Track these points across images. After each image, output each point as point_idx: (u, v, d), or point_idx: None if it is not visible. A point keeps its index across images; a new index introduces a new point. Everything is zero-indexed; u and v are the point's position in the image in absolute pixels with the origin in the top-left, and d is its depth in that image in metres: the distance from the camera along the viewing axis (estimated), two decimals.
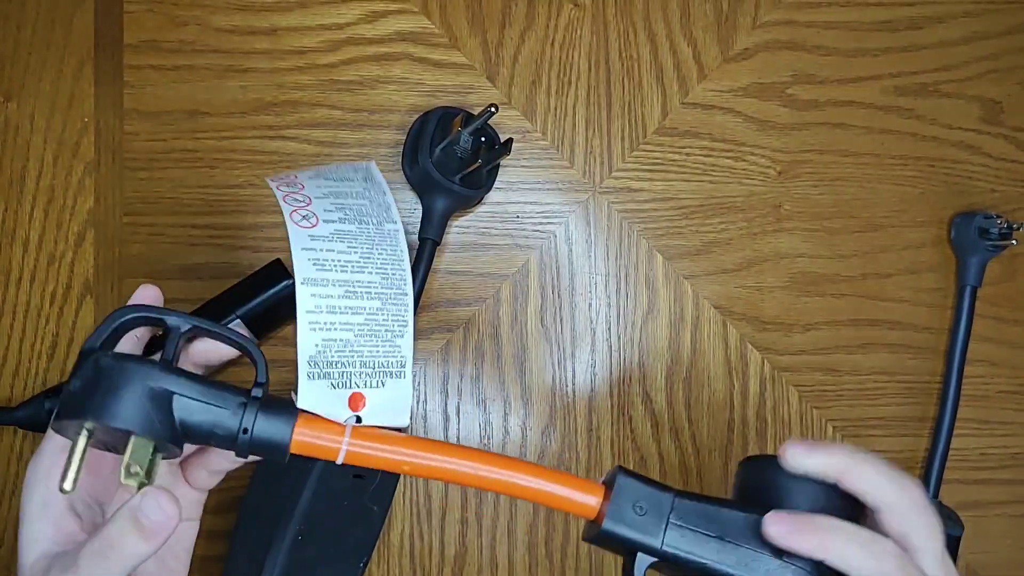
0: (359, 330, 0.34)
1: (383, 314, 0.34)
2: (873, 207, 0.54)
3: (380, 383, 0.34)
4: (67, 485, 0.29)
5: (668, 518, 0.32)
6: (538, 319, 0.52)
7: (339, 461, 0.31)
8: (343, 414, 0.33)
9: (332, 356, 0.33)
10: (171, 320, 0.32)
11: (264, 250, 0.51)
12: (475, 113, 0.49)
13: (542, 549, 0.52)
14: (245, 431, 0.31)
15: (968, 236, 0.52)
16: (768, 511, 0.32)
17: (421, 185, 0.50)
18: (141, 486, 0.30)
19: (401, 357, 0.35)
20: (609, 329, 0.52)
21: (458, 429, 0.51)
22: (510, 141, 0.48)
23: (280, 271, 0.48)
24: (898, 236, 0.54)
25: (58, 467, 0.30)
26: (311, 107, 0.52)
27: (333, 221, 0.35)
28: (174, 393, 0.30)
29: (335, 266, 0.34)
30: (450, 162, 0.48)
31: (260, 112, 0.51)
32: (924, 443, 0.53)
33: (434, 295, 0.52)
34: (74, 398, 0.30)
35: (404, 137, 0.51)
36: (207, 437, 0.31)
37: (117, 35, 0.51)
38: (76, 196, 0.51)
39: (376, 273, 0.35)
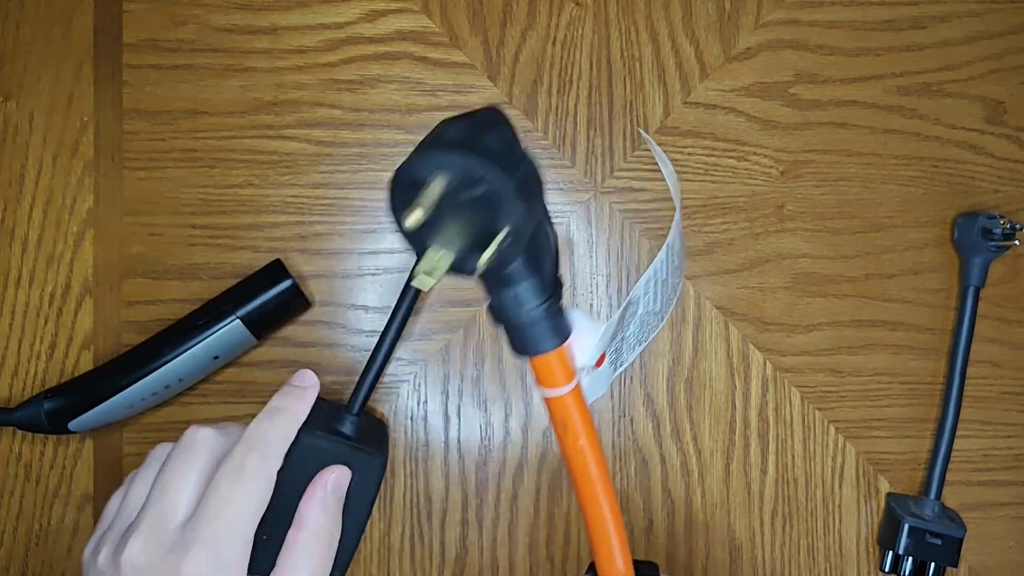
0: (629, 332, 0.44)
1: (643, 326, 0.47)
2: (876, 207, 0.54)
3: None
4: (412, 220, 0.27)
5: None
6: None
7: (540, 394, 0.34)
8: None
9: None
10: None
11: (264, 250, 0.51)
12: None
13: (543, 551, 0.51)
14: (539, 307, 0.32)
15: (971, 236, 0.52)
16: None
17: None
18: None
19: (628, 350, 0.46)
20: None
21: (459, 430, 0.51)
22: None
23: (280, 271, 0.48)
24: (901, 236, 0.54)
25: None
26: (311, 106, 0.51)
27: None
28: None
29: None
30: None
31: (260, 111, 0.51)
32: (927, 444, 0.53)
33: (434, 296, 0.52)
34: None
35: (404, 136, 0.51)
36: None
37: (116, 34, 0.51)
38: (75, 196, 0.50)
39: (659, 302, 0.47)
